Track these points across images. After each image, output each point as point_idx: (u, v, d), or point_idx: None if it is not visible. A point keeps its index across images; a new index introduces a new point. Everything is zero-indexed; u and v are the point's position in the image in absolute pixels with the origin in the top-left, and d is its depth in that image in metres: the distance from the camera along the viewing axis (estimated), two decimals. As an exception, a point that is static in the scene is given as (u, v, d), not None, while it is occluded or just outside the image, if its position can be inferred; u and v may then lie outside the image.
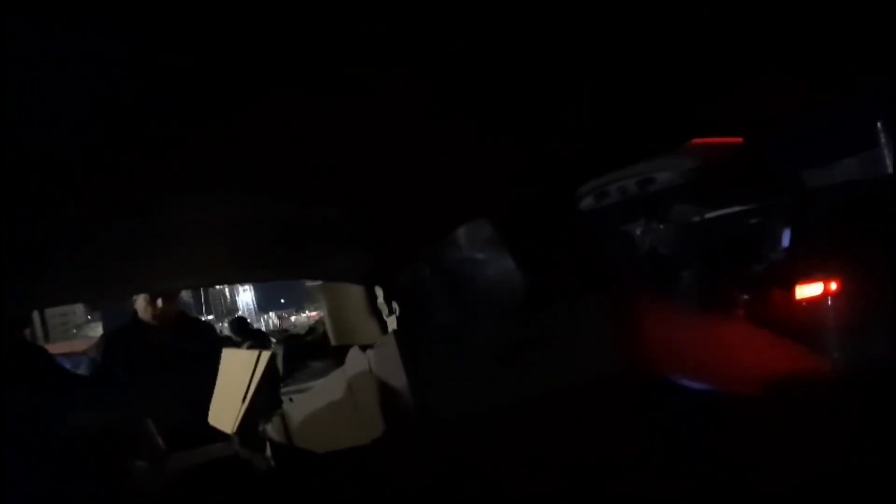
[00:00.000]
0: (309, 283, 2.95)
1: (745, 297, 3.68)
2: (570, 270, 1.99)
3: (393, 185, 1.77)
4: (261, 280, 3.02)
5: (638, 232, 3.85)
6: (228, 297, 48.28)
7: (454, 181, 1.85)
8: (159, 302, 3.15)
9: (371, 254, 2.37)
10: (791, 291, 3.76)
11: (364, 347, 1.75)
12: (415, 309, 2.42)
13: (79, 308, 25.19)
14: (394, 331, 1.65)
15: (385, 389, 1.59)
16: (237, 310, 44.61)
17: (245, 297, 48.95)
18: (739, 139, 4.49)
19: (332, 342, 2.90)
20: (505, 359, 1.58)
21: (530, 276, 2.03)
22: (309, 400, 2.03)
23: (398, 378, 1.55)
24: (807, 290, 3.78)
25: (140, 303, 3.19)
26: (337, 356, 2.64)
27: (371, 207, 1.91)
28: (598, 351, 1.70)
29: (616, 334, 1.74)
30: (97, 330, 21.17)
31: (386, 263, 2.44)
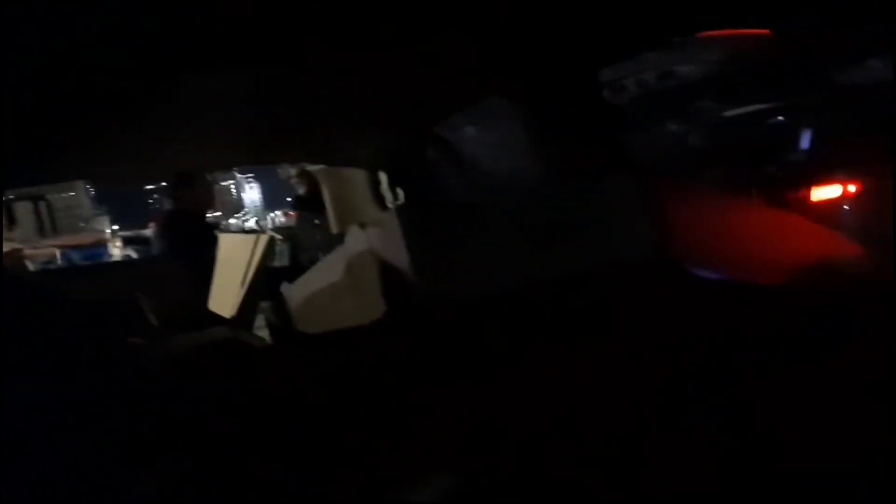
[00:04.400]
0: (310, 167, 2.83)
1: (761, 195, 3.57)
2: (593, 150, 1.85)
3: (404, 58, 1.62)
4: (264, 163, 2.94)
5: (658, 122, 3.71)
6: (235, 194, 48.00)
7: (468, 55, 1.70)
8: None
9: (378, 136, 2.23)
10: (807, 192, 3.67)
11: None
12: (422, 193, 2.31)
13: (86, 202, 25.21)
14: (396, 207, 1.54)
15: (385, 268, 1.51)
16: (243, 207, 44.47)
17: (251, 194, 48.65)
18: (766, 31, 4.25)
19: (334, 230, 2.81)
20: (522, 238, 1.48)
21: (550, 154, 1.89)
22: (307, 281, 1.96)
23: (400, 256, 1.46)
24: (823, 192, 3.68)
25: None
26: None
27: (383, 81, 1.76)
28: (625, 233, 1.58)
29: (643, 217, 1.62)
30: (103, 223, 21.25)
31: (393, 147, 2.31)
